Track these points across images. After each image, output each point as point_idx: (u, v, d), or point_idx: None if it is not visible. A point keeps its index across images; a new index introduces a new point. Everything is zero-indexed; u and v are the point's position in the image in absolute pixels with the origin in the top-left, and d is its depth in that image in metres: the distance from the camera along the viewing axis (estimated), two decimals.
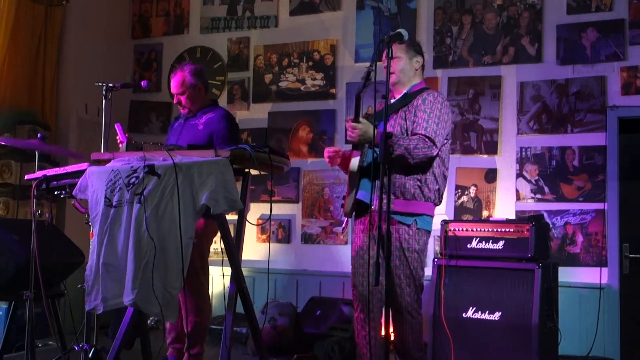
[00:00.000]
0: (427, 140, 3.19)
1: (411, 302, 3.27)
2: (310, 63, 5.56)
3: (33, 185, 3.40)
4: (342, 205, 3.35)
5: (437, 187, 3.34)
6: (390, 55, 2.78)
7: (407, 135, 3.25)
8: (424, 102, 3.30)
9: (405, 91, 3.41)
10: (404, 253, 3.23)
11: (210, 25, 5.99)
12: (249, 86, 5.79)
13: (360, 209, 3.28)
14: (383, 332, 2.91)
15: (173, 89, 3.90)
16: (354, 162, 3.25)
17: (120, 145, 3.47)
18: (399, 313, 3.26)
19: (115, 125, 3.56)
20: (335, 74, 5.49)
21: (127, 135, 3.44)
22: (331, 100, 5.49)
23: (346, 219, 3.47)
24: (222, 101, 5.76)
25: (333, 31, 5.53)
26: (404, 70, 3.40)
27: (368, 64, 5.17)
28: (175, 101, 3.92)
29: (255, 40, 5.80)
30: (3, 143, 4.51)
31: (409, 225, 3.25)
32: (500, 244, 4.03)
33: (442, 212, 4.93)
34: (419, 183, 3.28)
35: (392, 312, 3.26)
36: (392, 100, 3.41)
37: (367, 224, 3.25)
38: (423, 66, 3.51)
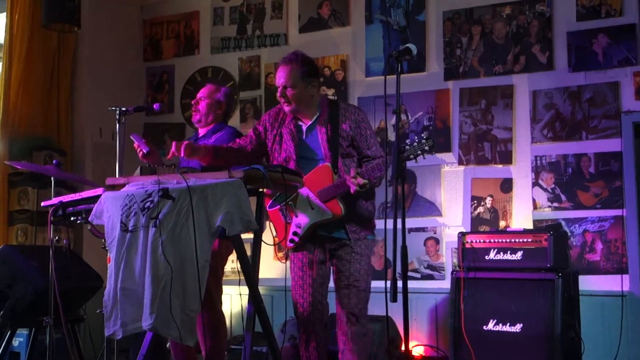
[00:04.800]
0: None
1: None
2: (322, 79, 5.57)
3: (50, 212, 3.43)
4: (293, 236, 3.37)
5: None
6: (400, 71, 2.78)
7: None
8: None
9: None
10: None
11: (220, 45, 6.02)
12: (261, 104, 5.81)
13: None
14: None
15: (200, 93, 3.96)
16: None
17: (140, 154, 3.53)
18: (353, 316, 3.30)
19: (132, 136, 3.62)
20: (346, 89, 5.49)
21: (144, 141, 3.50)
22: None
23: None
24: (235, 120, 5.78)
25: (343, 46, 5.54)
26: (302, 95, 3.33)
27: (377, 78, 5.24)
28: (193, 102, 3.95)
29: (266, 59, 5.82)
30: (19, 167, 4.57)
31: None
32: (519, 255, 4.00)
33: (458, 224, 4.93)
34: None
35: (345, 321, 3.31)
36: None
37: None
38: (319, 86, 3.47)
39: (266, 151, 3.46)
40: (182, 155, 3.20)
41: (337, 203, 3.23)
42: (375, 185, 3.31)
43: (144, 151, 3.60)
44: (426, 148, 3.02)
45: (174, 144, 3.19)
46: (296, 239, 3.32)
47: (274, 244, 3.30)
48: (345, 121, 3.30)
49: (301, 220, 3.30)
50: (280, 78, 3.30)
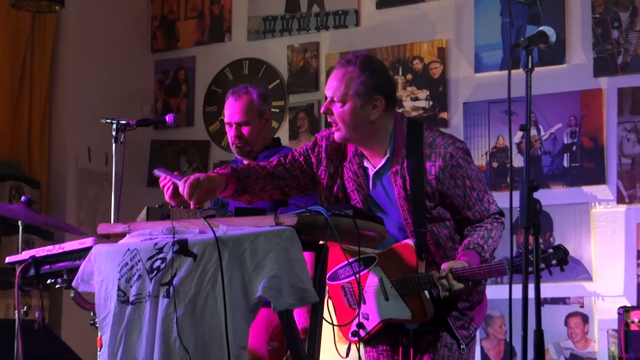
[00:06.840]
0: None
1: None
2: (410, 76, 5.58)
3: (17, 272, 3.49)
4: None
5: None
6: (530, 67, 2.74)
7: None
8: None
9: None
10: None
11: (262, 28, 6.10)
12: (321, 114, 5.83)
13: None
14: None
15: (233, 117, 3.99)
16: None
17: (168, 193, 3.22)
18: None
19: (156, 172, 3.32)
20: (446, 91, 5.50)
21: (175, 174, 3.30)
22: (442, 128, 5.45)
23: None
24: (283, 135, 5.81)
25: (441, 28, 5.56)
26: (352, 117, 3.17)
27: (493, 73, 5.23)
28: (233, 134, 3.98)
29: (328, 47, 5.88)
30: None
31: None
32: None
33: (618, 294, 4.85)
34: None
35: None
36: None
37: None
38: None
39: (317, 185, 3.40)
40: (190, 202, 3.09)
41: (422, 301, 3.16)
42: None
43: (176, 182, 3.29)
44: (553, 262, 3.01)
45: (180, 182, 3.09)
46: (362, 333, 3.29)
47: (333, 324, 3.26)
48: (431, 169, 3.17)
49: (370, 310, 3.24)
50: (328, 87, 3.21)
